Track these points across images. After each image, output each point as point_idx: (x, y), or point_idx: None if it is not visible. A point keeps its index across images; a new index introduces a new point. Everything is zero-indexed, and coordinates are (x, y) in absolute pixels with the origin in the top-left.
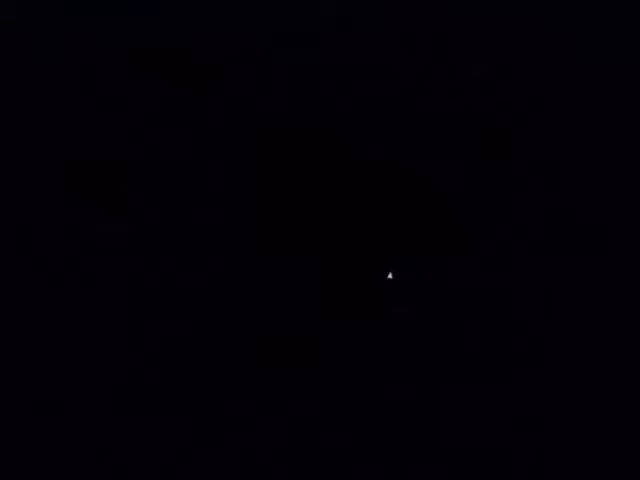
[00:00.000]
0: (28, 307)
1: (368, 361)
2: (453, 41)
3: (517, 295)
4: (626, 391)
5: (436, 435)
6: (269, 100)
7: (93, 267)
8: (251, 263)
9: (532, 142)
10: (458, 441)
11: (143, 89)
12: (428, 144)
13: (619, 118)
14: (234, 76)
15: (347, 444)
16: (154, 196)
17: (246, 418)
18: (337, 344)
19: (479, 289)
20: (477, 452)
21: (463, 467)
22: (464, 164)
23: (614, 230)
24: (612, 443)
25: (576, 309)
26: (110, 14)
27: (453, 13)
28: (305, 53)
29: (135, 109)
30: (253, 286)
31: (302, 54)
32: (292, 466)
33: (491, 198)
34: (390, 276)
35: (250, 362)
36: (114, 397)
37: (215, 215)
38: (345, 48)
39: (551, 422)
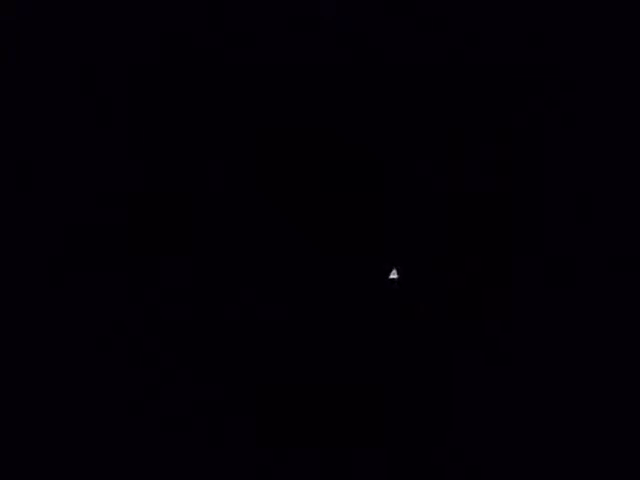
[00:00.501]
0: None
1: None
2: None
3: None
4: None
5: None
6: (269, 99)
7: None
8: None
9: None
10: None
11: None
12: (431, 143)
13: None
14: (233, 74)
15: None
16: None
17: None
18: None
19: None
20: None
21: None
22: (467, 165)
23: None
24: (609, 442)
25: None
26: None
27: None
28: (304, 52)
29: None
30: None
31: (301, 53)
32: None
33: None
34: (393, 275)
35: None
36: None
37: (213, 215)
38: (345, 47)
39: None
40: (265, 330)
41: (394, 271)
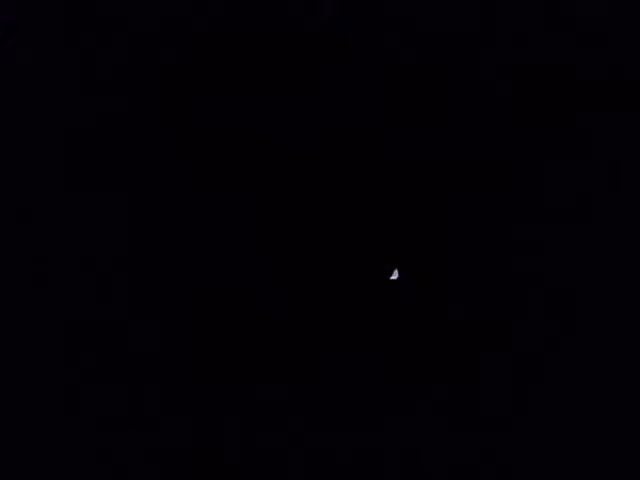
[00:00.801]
0: None
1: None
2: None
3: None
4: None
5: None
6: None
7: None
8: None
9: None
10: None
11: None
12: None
13: None
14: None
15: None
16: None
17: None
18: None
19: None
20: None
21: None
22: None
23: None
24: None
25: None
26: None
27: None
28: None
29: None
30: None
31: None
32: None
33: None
34: (395, 276)
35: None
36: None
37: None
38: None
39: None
40: (263, 329)
41: (395, 272)
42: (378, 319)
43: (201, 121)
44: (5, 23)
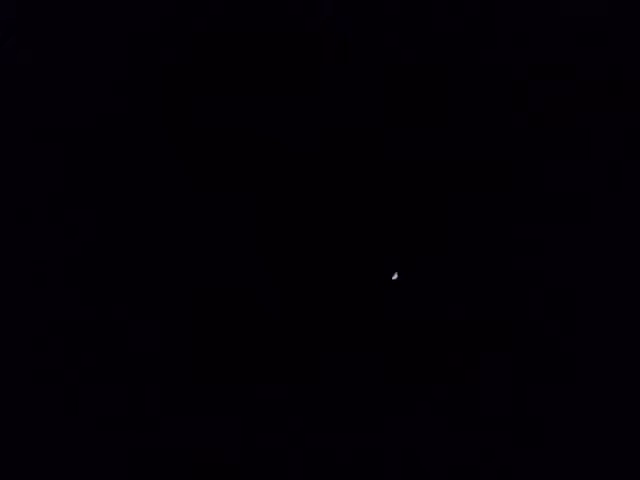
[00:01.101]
0: None
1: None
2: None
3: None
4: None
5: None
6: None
7: None
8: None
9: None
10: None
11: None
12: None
13: None
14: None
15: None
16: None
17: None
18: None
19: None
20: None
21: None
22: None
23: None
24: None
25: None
26: None
27: None
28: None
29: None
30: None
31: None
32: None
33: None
34: (395, 277)
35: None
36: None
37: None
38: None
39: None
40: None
41: (395, 272)
42: (378, 319)
43: (201, 121)
44: (5, 23)
